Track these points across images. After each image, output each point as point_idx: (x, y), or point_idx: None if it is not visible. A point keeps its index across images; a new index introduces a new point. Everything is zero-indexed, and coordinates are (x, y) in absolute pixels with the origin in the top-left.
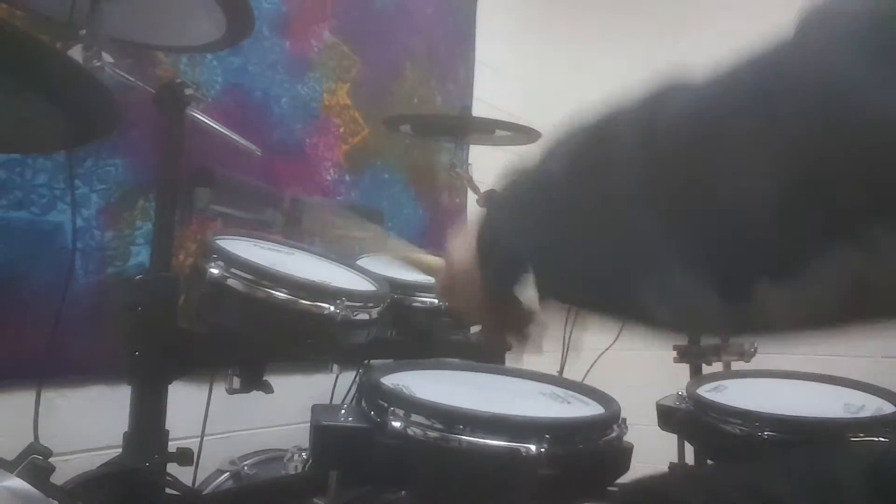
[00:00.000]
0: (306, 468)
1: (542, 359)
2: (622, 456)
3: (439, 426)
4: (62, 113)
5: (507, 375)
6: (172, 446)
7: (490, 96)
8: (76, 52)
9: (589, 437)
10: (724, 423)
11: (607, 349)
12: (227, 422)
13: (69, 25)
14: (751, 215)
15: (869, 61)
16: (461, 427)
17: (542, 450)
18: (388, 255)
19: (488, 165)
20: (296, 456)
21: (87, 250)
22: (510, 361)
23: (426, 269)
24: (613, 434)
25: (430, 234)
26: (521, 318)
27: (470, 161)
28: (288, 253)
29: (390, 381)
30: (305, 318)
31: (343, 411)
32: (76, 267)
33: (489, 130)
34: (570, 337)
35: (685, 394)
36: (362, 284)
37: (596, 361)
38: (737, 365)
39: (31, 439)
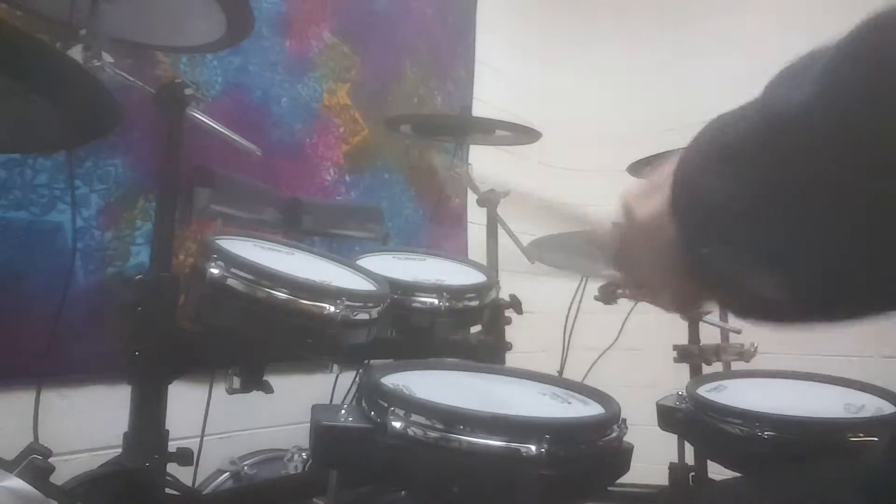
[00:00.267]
0: (306, 468)
1: (543, 359)
2: (622, 456)
3: (439, 426)
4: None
5: (507, 375)
6: (172, 446)
7: (490, 96)
8: (76, 52)
9: (589, 437)
10: (724, 423)
11: (607, 349)
12: (227, 422)
13: (69, 25)
14: None
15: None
16: (461, 427)
17: (542, 450)
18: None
19: (488, 165)
20: (296, 456)
21: (87, 250)
22: (510, 361)
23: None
24: (613, 434)
25: (430, 234)
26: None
27: (470, 161)
28: (288, 253)
29: (390, 381)
30: (305, 318)
31: (343, 411)
32: (76, 267)
33: (489, 130)
34: (569, 337)
35: (685, 394)
36: (362, 284)
37: (596, 361)
38: (737, 365)
39: (31, 439)
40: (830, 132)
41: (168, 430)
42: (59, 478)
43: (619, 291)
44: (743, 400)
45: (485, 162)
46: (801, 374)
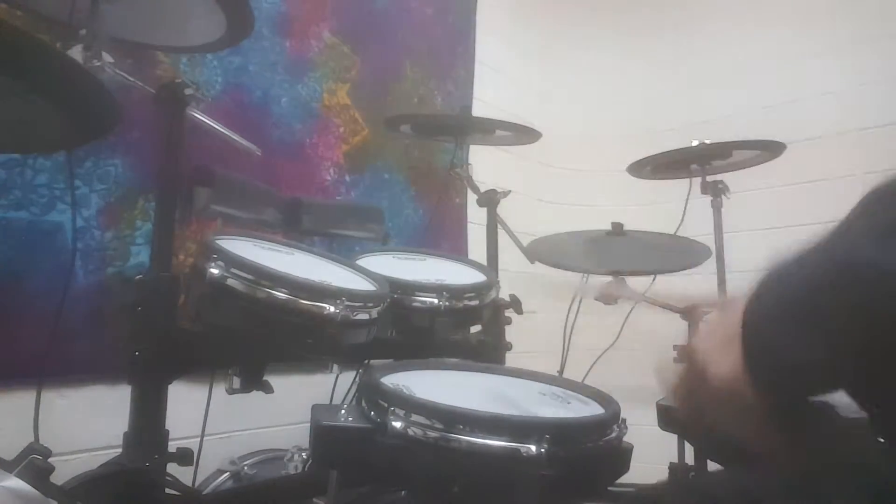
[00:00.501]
0: (306, 468)
1: (543, 359)
2: (622, 456)
3: (439, 426)
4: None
5: (507, 375)
6: (172, 446)
7: (490, 96)
8: (76, 52)
9: (589, 437)
10: None
11: (607, 349)
12: (227, 422)
13: (69, 25)
14: None
15: None
16: (461, 427)
17: (542, 450)
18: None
19: (488, 165)
20: (296, 456)
21: (87, 250)
22: (510, 361)
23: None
24: (613, 434)
25: (430, 234)
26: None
27: (470, 161)
28: (288, 253)
29: (390, 381)
30: (305, 318)
31: (343, 411)
32: (76, 267)
33: (489, 130)
34: (569, 337)
35: None
36: (362, 284)
37: (596, 361)
38: None
39: (31, 439)
40: None
41: (168, 430)
42: (59, 478)
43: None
44: None
45: (485, 162)
46: None
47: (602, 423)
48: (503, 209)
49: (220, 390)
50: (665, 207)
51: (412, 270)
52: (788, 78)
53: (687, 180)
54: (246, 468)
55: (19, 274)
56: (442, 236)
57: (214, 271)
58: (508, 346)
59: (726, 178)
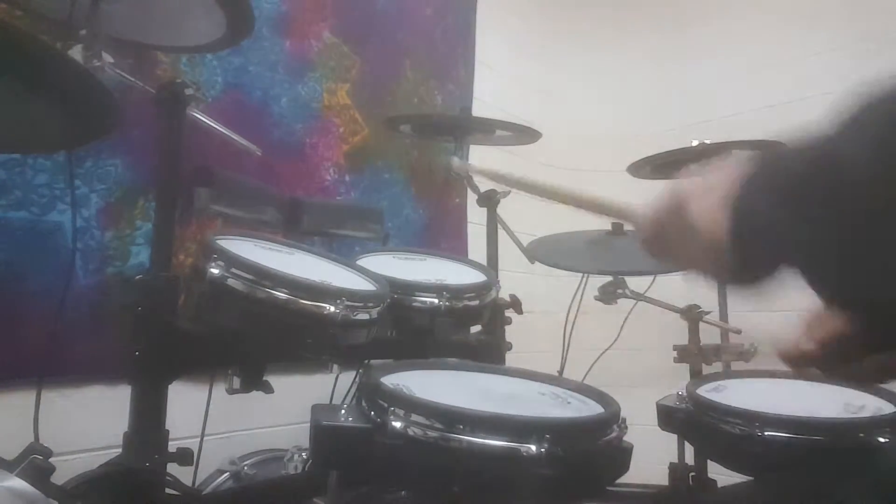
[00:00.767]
0: (306, 468)
1: (543, 359)
2: (622, 456)
3: (439, 426)
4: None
5: (507, 375)
6: (172, 446)
7: (490, 96)
8: (76, 52)
9: (589, 437)
10: (724, 423)
11: (607, 349)
12: (227, 422)
13: (69, 25)
14: None
15: None
16: (461, 427)
17: (542, 450)
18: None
19: (488, 165)
20: (296, 456)
21: (87, 250)
22: (510, 361)
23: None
24: (613, 434)
25: (430, 234)
26: None
27: (470, 161)
28: (288, 253)
29: (390, 381)
30: (305, 318)
31: (343, 411)
32: (76, 267)
33: (489, 130)
34: (569, 337)
35: (685, 394)
36: (362, 284)
37: (596, 361)
38: (737, 365)
39: (31, 439)
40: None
41: (168, 430)
42: (60, 478)
43: (620, 292)
44: (743, 400)
45: (485, 162)
46: None
47: (602, 423)
48: (503, 209)
49: (220, 390)
50: None
51: (412, 270)
52: (788, 78)
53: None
54: (246, 468)
55: (19, 274)
56: (442, 236)
57: (214, 271)
58: (508, 346)
59: None
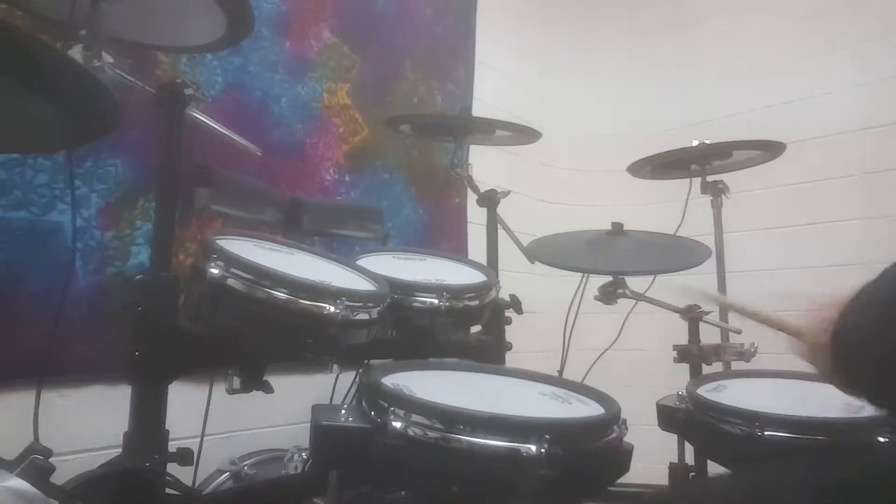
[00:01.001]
0: (306, 468)
1: (543, 359)
2: (622, 456)
3: (439, 426)
4: (62, 113)
5: (508, 376)
6: (172, 446)
7: (490, 96)
8: (76, 52)
9: (589, 437)
10: (724, 423)
11: (607, 349)
12: (227, 422)
13: (69, 25)
14: None
15: None
16: (461, 427)
17: (542, 450)
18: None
19: (488, 165)
20: (296, 456)
21: (87, 250)
22: (510, 361)
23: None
24: (613, 435)
25: (430, 234)
26: None
27: (470, 161)
28: (288, 253)
29: (390, 381)
30: (305, 318)
31: (343, 411)
32: (76, 267)
33: (489, 130)
34: (569, 337)
35: (685, 394)
36: (362, 284)
37: (596, 361)
38: (737, 365)
39: (31, 439)
40: None
41: (168, 430)
42: (60, 478)
43: (620, 292)
44: (743, 400)
45: (485, 162)
46: (801, 374)
47: (602, 424)
48: (503, 209)
49: (220, 390)
50: (665, 207)
51: (412, 270)
52: (788, 78)
53: (687, 180)
54: (246, 468)
55: (19, 274)
56: (442, 236)
57: (214, 271)
58: (508, 346)
59: (726, 178)
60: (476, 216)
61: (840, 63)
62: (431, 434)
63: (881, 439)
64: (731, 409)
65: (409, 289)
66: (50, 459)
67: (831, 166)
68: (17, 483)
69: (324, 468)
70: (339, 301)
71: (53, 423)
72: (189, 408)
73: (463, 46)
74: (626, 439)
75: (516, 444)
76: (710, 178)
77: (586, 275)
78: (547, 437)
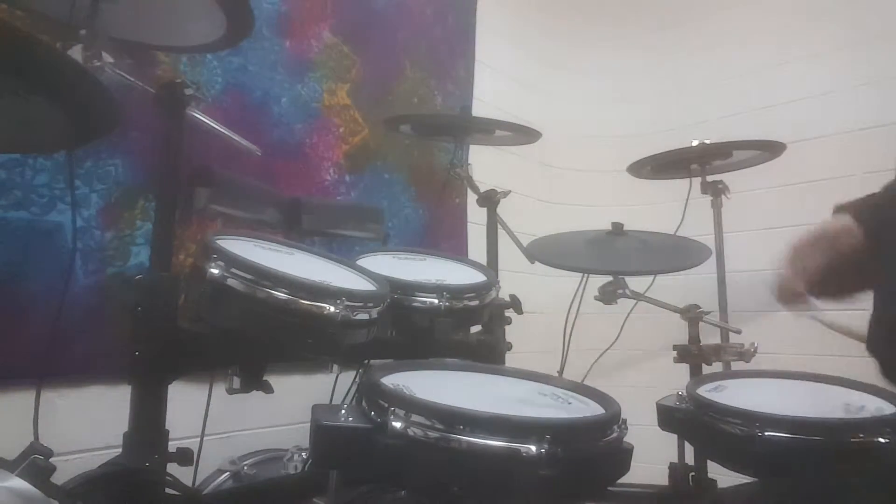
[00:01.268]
0: (306, 468)
1: (543, 359)
2: (622, 456)
3: (440, 426)
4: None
5: (508, 376)
6: (172, 446)
7: (490, 96)
8: (76, 52)
9: (589, 437)
10: (724, 423)
11: (607, 349)
12: (227, 422)
13: (69, 25)
14: None
15: None
16: (461, 427)
17: (542, 450)
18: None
19: (488, 165)
20: (296, 456)
21: (87, 250)
22: (510, 361)
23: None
24: (614, 435)
25: (430, 234)
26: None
27: (470, 161)
28: (288, 253)
29: (390, 381)
30: (305, 317)
31: (343, 411)
32: (76, 267)
33: (489, 130)
34: (569, 337)
35: (685, 394)
36: (362, 284)
37: (596, 361)
38: (737, 365)
39: (32, 439)
40: None
41: (168, 430)
42: (60, 478)
43: (620, 292)
44: (743, 400)
45: (485, 162)
46: (801, 374)
47: (602, 424)
48: (503, 209)
49: (220, 390)
50: (665, 207)
51: (412, 270)
52: (788, 78)
53: (687, 180)
54: (246, 468)
55: (19, 274)
56: (442, 236)
57: (214, 271)
58: (508, 346)
59: (726, 178)
60: (476, 216)
61: (840, 63)
62: (431, 434)
63: (881, 440)
64: (731, 409)
65: (409, 289)
66: (50, 459)
67: (831, 166)
68: (18, 483)
69: (324, 468)
70: (339, 301)
71: (53, 423)
72: (189, 408)
73: (463, 46)
74: (626, 439)
75: (516, 444)
76: (710, 178)
77: (586, 275)
78: (547, 437)
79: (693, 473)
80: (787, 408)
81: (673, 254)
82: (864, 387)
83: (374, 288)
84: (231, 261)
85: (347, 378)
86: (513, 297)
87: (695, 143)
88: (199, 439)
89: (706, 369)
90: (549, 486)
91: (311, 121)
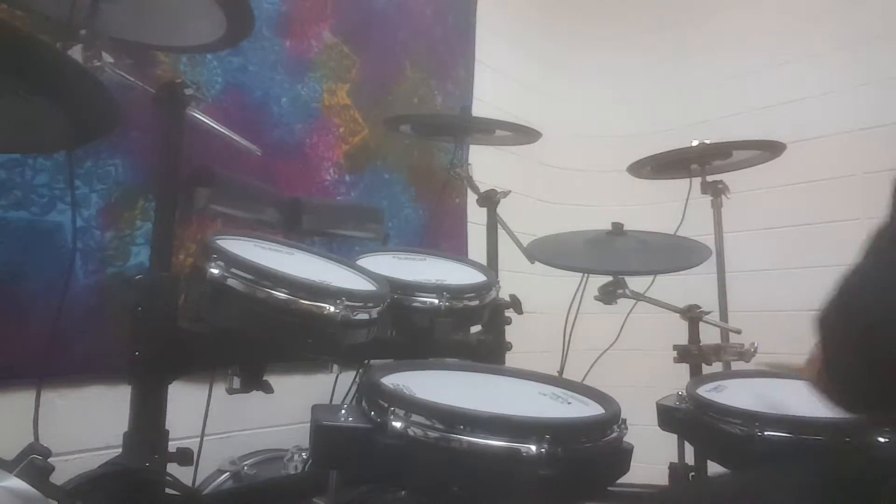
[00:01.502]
0: (306, 468)
1: (543, 359)
2: (622, 456)
3: (440, 426)
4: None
5: (507, 375)
6: (172, 446)
7: (490, 96)
8: (76, 52)
9: (589, 437)
10: (724, 423)
11: (607, 349)
12: (227, 422)
13: (69, 25)
14: None
15: None
16: (461, 427)
17: (542, 450)
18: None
19: (488, 165)
20: (296, 456)
21: (87, 250)
22: (510, 361)
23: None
24: (613, 434)
25: (430, 234)
26: None
27: (470, 161)
28: (288, 253)
29: (390, 381)
30: (305, 317)
31: (343, 411)
32: (76, 267)
33: (489, 130)
34: (569, 337)
35: (685, 394)
36: (362, 284)
37: (596, 361)
38: (737, 365)
39: (31, 439)
40: None
41: (168, 430)
42: (60, 478)
43: (620, 292)
44: (743, 400)
45: (485, 162)
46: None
47: (602, 424)
48: (503, 209)
49: (220, 390)
50: (665, 207)
51: (412, 270)
52: (788, 78)
53: (687, 180)
54: (246, 468)
55: (19, 274)
56: (442, 236)
57: (214, 271)
58: (508, 346)
59: (726, 178)
60: (476, 216)
61: (840, 63)
62: (431, 434)
63: (881, 439)
64: (731, 409)
65: (409, 289)
66: (49, 459)
67: (831, 166)
68: (17, 483)
69: (324, 468)
70: (338, 301)
71: (53, 423)
72: (189, 408)
73: (463, 46)
74: (626, 439)
75: (516, 444)
76: (710, 178)
77: (586, 275)
78: (547, 437)
79: (693, 473)
80: (787, 408)
81: (673, 254)
82: None
83: (374, 288)
84: (231, 261)
85: (347, 378)
86: (513, 297)
87: (695, 143)
88: (199, 439)
89: (706, 369)
90: (549, 485)
91: (311, 121)
